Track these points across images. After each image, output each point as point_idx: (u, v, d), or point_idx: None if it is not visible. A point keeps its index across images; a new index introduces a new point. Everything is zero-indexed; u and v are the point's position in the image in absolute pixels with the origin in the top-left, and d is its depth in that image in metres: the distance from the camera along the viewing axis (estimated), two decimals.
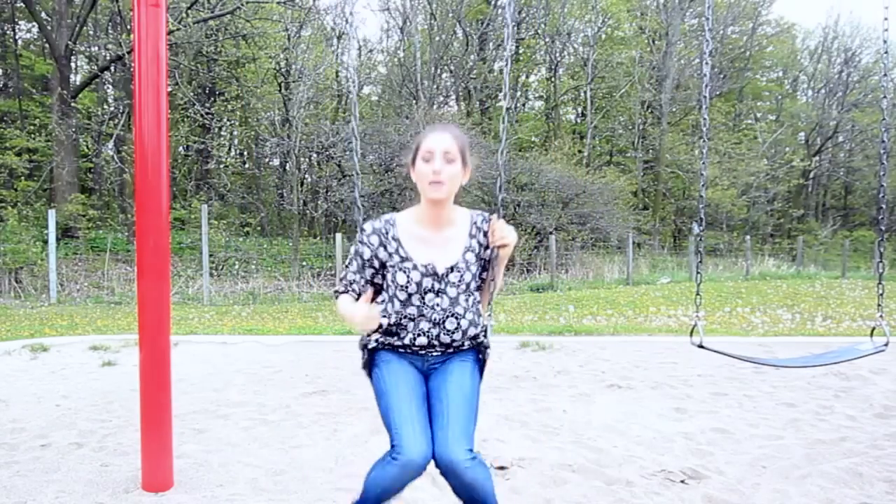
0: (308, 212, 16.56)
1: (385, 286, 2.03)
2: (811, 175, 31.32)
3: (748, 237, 18.76)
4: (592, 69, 24.33)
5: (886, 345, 3.27)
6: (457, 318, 1.99)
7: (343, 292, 2.07)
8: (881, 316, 3.30)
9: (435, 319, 1.97)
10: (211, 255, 12.50)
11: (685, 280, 15.03)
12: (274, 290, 12.68)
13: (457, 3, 22.02)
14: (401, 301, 1.98)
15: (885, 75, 3.59)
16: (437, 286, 1.96)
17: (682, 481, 2.84)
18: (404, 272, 1.96)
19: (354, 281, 2.04)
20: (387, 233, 2.00)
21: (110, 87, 20.58)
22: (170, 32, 13.64)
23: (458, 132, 2.01)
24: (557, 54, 26.34)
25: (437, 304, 1.97)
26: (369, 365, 2.09)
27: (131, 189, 16.52)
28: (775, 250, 22.60)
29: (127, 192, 17.86)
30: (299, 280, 13.60)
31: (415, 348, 2.01)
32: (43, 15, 16.93)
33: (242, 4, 15.07)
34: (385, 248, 1.99)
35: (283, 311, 9.86)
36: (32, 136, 15.68)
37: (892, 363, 5.27)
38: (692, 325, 3.08)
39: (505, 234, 1.96)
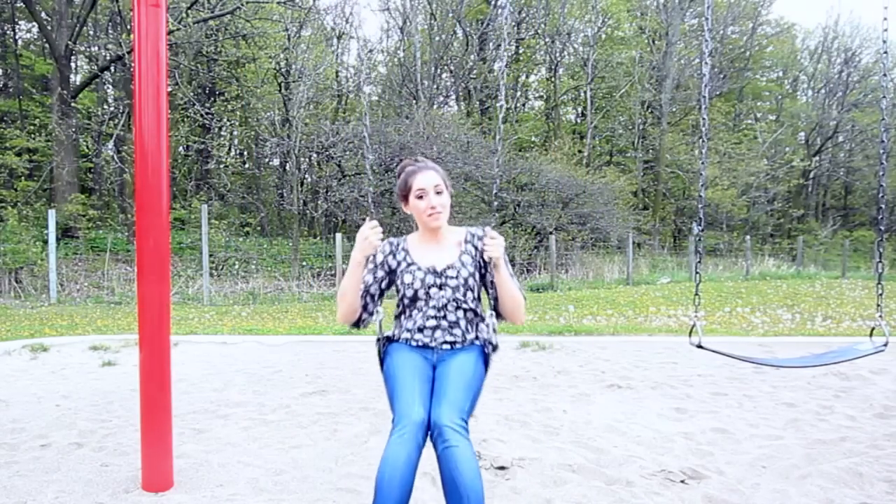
0: (308, 212, 16.55)
1: (397, 290, 2.38)
2: (811, 175, 31.33)
3: (748, 237, 18.76)
4: (592, 69, 24.33)
5: (886, 345, 3.27)
6: (458, 303, 2.31)
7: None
8: (881, 316, 3.30)
9: (438, 305, 2.31)
10: (211, 255, 12.50)
11: (685, 280, 15.04)
12: (274, 290, 12.68)
13: (457, 3, 22.02)
14: (409, 297, 2.34)
15: (885, 75, 3.59)
16: (438, 281, 2.31)
17: (682, 481, 2.84)
18: (410, 273, 2.33)
19: (367, 287, 2.35)
20: (398, 245, 2.40)
21: (110, 87, 20.59)
22: (170, 32, 13.64)
23: (437, 166, 2.37)
24: (557, 54, 26.33)
25: (441, 295, 2.31)
26: (382, 356, 2.39)
27: (131, 189, 16.53)
28: (775, 250, 22.60)
29: (127, 192, 17.86)
30: (299, 280, 13.60)
31: (424, 335, 2.32)
32: (43, 15, 16.92)
33: (242, 4, 15.07)
34: (394, 256, 2.38)
35: (283, 311, 9.86)
36: (32, 136, 15.68)
37: (892, 363, 5.27)
38: (692, 325, 3.08)
39: (487, 246, 2.24)
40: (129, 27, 15.87)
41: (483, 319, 2.38)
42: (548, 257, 14.63)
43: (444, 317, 2.31)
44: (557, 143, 21.06)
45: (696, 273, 3.27)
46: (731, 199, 24.25)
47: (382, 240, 2.30)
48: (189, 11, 14.49)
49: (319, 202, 16.24)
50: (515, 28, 24.76)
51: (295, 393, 4.42)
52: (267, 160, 21.10)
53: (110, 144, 16.90)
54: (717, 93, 26.59)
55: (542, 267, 15.97)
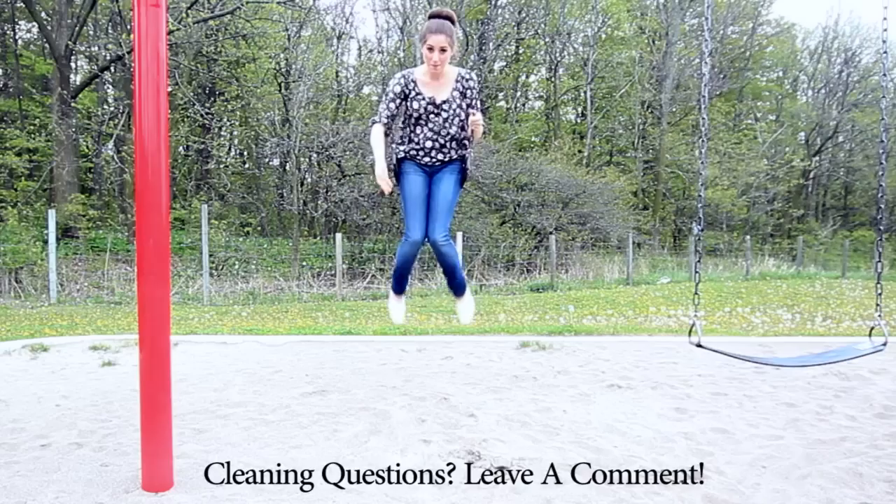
0: (308, 212, 16.55)
1: (405, 111, 3.30)
2: (811, 175, 31.32)
3: (748, 237, 18.76)
4: (592, 69, 24.33)
5: (885, 344, 3.27)
6: (448, 128, 3.28)
7: (377, 122, 3.27)
8: (880, 315, 3.31)
9: (435, 129, 3.29)
10: (211, 255, 12.50)
11: (685, 280, 15.04)
12: (274, 290, 12.68)
13: (457, 4, 22.01)
14: (415, 119, 3.28)
15: (885, 75, 3.59)
16: (436, 110, 3.27)
17: (683, 481, 2.84)
18: (417, 101, 3.25)
19: (386, 110, 3.25)
20: (409, 78, 3.26)
21: (110, 87, 20.59)
22: (170, 32, 13.64)
23: (450, 27, 3.11)
24: (557, 54, 26.33)
25: (436, 121, 3.28)
26: (398, 173, 3.40)
27: (131, 189, 16.53)
28: (775, 250, 22.61)
29: (127, 192, 17.86)
30: (299, 280, 13.60)
31: (424, 153, 3.31)
32: (43, 15, 16.93)
33: (242, 4, 15.07)
34: (407, 87, 3.26)
35: (283, 311, 9.86)
36: (32, 136, 15.68)
37: (892, 363, 5.27)
38: (691, 324, 3.08)
39: (475, 122, 3.24)
40: (129, 27, 15.87)
41: (465, 138, 3.33)
42: (548, 257, 14.63)
43: (437, 139, 3.28)
44: (557, 143, 21.06)
45: (696, 273, 3.27)
46: (731, 199, 24.26)
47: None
48: (189, 11, 14.48)
49: (319, 202, 16.23)
50: (515, 28, 24.75)
51: (295, 393, 4.42)
52: (267, 160, 21.09)
53: (110, 144, 16.89)
54: (717, 93, 26.59)
55: (542, 267, 15.97)
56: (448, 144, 3.29)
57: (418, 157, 3.31)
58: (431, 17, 3.14)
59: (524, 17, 24.89)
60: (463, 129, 3.31)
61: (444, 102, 3.23)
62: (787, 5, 44.29)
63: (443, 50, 3.09)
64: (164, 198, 2.68)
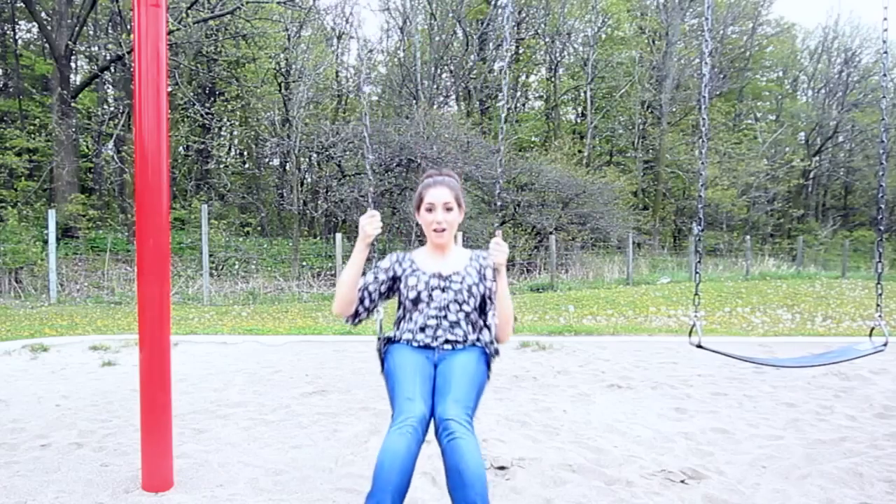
0: (308, 212, 16.55)
1: (399, 297, 2.40)
2: (811, 175, 31.32)
3: (748, 237, 18.76)
4: (592, 69, 24.32)
5: (885, 345, 3.27)
6: (459, 304, 2.30)
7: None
8: (880, 316, 3.30)
9: (441, 305, 2.30)
10: (211, 255, 12.49)
11: (685, 280, 15.03)
12: (274, 290, 12.68)
13: (457, 3, 22.01)
14: (411, 300, 2.34)
15: (885, 75, 3.59)
16: (441, 284, 2.33)
17: (682, 481, 2.84)
18: (415, 276, 2.35)
19: (366, 284, 2.37)
20: (403, 257, 2.44)
21: (110, 87, 20.58)
22: (170, 32, 13.63)
23: (453, 182, 2.41)
24: (557, 54, 26.33)
25: (443, 297, 2.31)
26: (383, 356, 2.37)
27: (131, 189, 16.52)
28: (775, 250, 22.60)
29: (127, 192, 17.86)
30: (299, 280, 13.60)
31: (423, 333, 2.30)
32: (43, 15, 16.92)
33: (242, 4, 15.06)
34: (400, 264, 2.41)
35: (283, 311, 9.86)
36: (32, 136, 15.68)
37: (892, 363, 5.27)
38: (692, 325, 3.08)
39: (493, 250, 2.30)
40: (129, 27, 15.86)
41: (486, 325, 2.36)
42: (548, 257, 14.63)
43: (446, 316, 2.29)
44: (557, 143, 21.06)
45: (696, 273, 3.27)
46: (731, 199, 24.25)
47: (382, 232, 2.36)
48: (189, 11, 14.48)
49: (319, 202, 16.24)
50: (515, 28, 24.75)
51: (295, 393, 4.42)
52: (267, 160, 21.10)
53: (110, 144, 16.89)
54: (717, 93, 26.58)
55: (542, 267, 15.96)
56: (460, 323, 2.31)
57: (416, 339, 2.31)
58: (427, 176, 2.46)
59: (524, 17, 24.88)
60: (483, 308, 2.36)
61: (453, 274, 2.33)
62: (787, 5, 44.33)
63: (448, 209, 2.33)
64: (164, 198, 2.68)
